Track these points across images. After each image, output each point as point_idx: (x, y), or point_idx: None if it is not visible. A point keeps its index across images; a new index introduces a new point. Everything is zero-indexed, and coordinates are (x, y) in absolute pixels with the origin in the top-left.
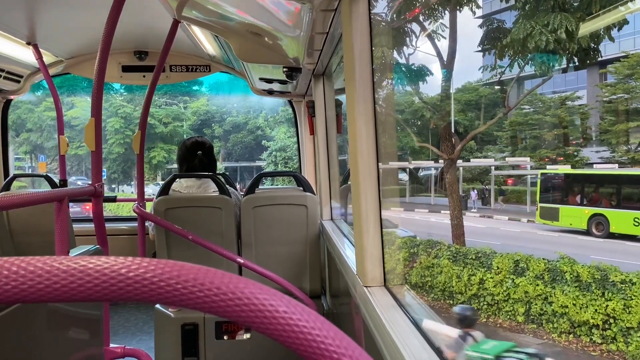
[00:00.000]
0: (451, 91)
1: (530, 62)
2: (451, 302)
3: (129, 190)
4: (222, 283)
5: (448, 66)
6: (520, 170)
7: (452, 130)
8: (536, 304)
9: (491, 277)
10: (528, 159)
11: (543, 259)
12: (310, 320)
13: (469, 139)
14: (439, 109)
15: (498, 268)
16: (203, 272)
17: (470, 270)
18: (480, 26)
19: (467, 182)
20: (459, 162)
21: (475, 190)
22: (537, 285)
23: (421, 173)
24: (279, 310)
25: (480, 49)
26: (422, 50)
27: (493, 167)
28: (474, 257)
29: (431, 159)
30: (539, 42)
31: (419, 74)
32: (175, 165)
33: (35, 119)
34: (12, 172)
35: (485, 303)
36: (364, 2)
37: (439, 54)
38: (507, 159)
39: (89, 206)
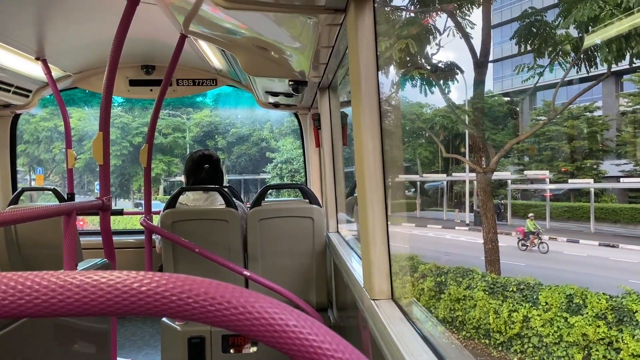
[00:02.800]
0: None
1: (583, 57)
2: (487, 341)
3: (127, 206)
4: (232, 297)
5: (479, 72)
6: (541, 185)
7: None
8: (598, 350)
9: (538, 315)
10: (547, 172)
11: (604, 294)
12: (320, 334)
13: (507, 149)
14: (470, 118)
15: (547, 304)
16: (214, 287)
17: (511, 304)
18: (521, 21)
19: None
20: (471, 175)
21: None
22: (599, 326)
23: (427, 185)
24: (289, 324)
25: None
26: (440, 61)
27: (509, 181)
28: (514, 290)
29: (441, 171)
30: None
31: (447, 79)
32: (176, 178)
33: (32, 130)
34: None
35: (530, 345)
36: (369, 16)
37: (472, 52)
38: (525, 172)
39: (82, 221)
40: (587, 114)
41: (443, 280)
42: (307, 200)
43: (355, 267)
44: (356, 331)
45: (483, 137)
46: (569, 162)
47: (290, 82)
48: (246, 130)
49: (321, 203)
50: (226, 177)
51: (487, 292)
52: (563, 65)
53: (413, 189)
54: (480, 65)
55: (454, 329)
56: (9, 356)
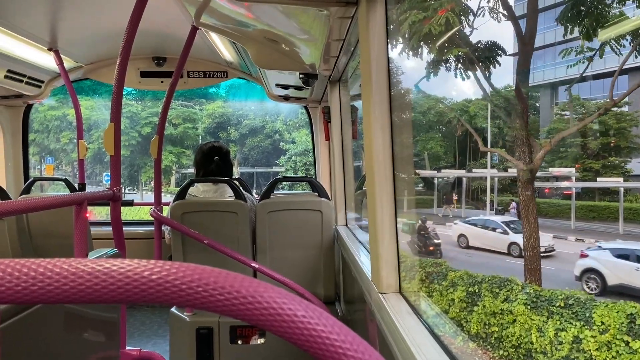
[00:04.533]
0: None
1: None
2: None
3: (136, 199)
4: (242, 287)
5: (524, 60)
6: (569, 183)
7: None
8: None
9: (592, 336)
10: (573, 169)
11: None
12: (328, 325)
13: (554, 143)
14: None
15: (603, 324)
16: (224, 276)
17: (559, 322)
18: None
19: (493, 192)
20: (493, 171)
21: (514, 203)
22: None
23: (436, 181)
24: (298, 315)
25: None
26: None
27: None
28: (562, 305)
29: (456, 167)
30: None
31: (485, 66)
32: (189, 170)
33: (41, 119)
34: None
35: None
36: (380, 9)
37: (519, 36)
38: (550, 169)
39: (89, 212)
40: (615, 109)
41: (476, 290)
42: (316, 194)
43: (364, 260)
44: (363, 324)
45: (526, 131)
46: (594, 159)
47: (301, 75)
48: (259, 122)
49: (330, 196)
50: (238, 170)
51: (528, 307)
52: (616, 50)
53: (428, 186)
54: (523, 50)
55: (489, 346)
56: (20, 343)
